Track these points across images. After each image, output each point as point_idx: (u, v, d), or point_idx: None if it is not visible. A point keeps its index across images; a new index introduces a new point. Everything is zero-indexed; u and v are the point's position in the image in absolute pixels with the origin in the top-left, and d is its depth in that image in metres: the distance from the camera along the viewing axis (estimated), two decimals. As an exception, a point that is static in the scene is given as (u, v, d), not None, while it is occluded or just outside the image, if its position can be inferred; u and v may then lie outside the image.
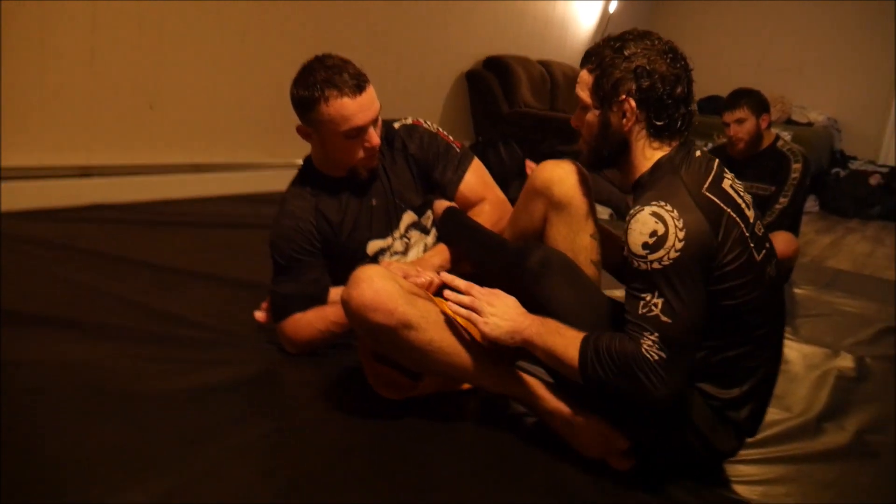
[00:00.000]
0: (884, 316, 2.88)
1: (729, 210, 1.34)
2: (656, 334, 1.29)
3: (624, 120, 1.43)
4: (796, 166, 3.16)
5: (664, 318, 1.29)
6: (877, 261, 4.25)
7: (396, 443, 1.48)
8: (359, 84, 1.67)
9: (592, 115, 1.47)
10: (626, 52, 1.41)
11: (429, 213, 1.91)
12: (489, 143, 4.85)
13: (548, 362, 1.44)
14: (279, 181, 3.89)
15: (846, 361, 2.26)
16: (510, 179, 4.73)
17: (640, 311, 1.31)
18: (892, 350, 2.48)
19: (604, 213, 4.53)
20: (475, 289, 1.49)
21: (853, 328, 2.70)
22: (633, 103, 1.41)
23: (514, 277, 1.54)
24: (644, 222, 1.30)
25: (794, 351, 2.37)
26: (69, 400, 1.49)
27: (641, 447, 1.46)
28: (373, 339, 1.50)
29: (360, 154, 1.75)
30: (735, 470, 1.51)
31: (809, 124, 6.38)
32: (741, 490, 1.46)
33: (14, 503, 1.15)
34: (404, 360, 1.52)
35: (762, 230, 1.42)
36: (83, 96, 3.09)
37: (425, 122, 1.93)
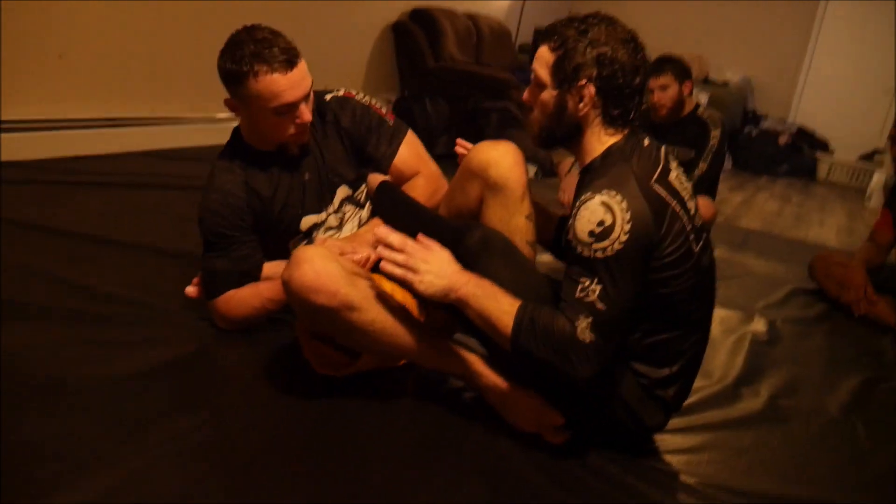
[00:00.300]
0: (791, 277, 3.05)
1: (673, 203, 1.37)
2: (590, 318, 1.33)
3: (581, 104, 1.44)
4: (715, 133, 3.26)
5: (599, 305, 1.33)
6: (784, 220, 4.48)
7: (334, 425, 1.48)
8: (290, 59, 1.61)
9: (548, 95, 1.47)
10: (590, 36, 1.41)
11: (363, 187, 1.88)
12: (415, 97, 4.80)
13: (479, 325, 1.44)
14: (199, 136, 3.81)
15: (759, 325, 2.40)
16: (437, 135, 4.71)
17: (576, 295, 1.34)
18: (799, 312, 2.64)
19: (529, 171, 4.58)
20: (409, 245, 1.47)
21: (764, 290, 2.85)
22: (592, 90, 1.42)
23: (456, 253, 1.55)
24: (593, 211, 1.32)
25: (711, 314, 2.49)
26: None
27: (575, 422, 1.52)
28: (313, 319, 1.49)
29: (291, 130, 1.69)
30: (661, 440, 1.59)
31: (725, 84, 6.58)
32: (667, 459, 1.54)
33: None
34: (345, 340, 1.52)
35: (700, 221, 1.46)
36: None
37: (357, 94, 1.88)
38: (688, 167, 3.22)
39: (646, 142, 1.46)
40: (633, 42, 1.42)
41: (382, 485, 1.33)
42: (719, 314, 2.47)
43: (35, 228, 2.31)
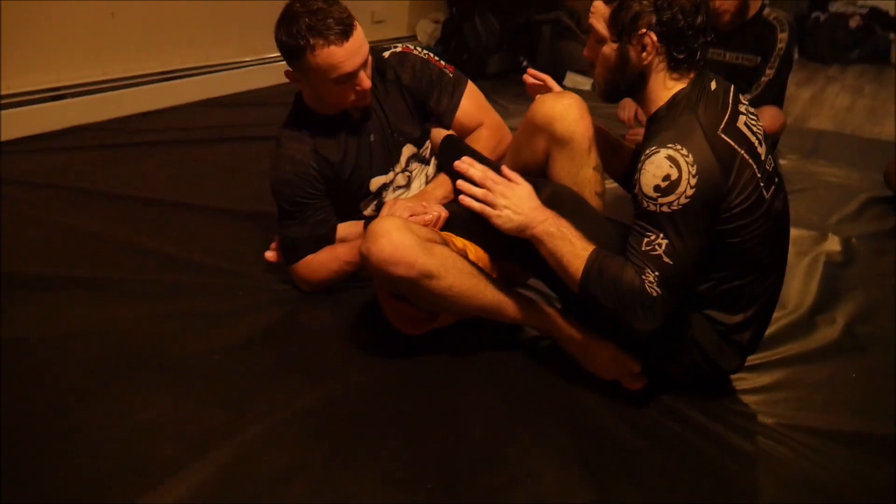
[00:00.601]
0: (866, 185, 2.96)
1: (742, 152, 1.36)
2: (657, 273, 1.34)
3: (644, 54, 1.42)
4: (782, 36, 3.11)
5: (666, 259, 1.34)
6: (857, 115, 4.29)
7: (424, 382, 1.57)
8: (345, 29, 1.61)
9: (609, 49, 1.46)
10: None
11: (427, 143, 1.90)
12: (464, 15, 4.68)
13: (551, 264, 1.46)
14: (255, 78, 3.83)
15: (833, 245, 2.36)
16: (489, 53, 4.62)
17: (643, 248, 1.36)
18: (874, 225, 2.58)
19: (586, 83, 4.48)
20: (490, 178, 1.48)
21: (838, 202, 2.78)
22: (653, 37, 1.40)
23: None
24: (659, 165, 1.32)
25: (782, 234, 2.47)
26: (88, 375, 1.52)
27: (652, 369, 1.56)
28: (393, 288, 1.55)
29: (352, 97, 1.72)
30: (738, 379, 1.62)
31: (790, -33, 6.17)
32: (745, 399, 1.58)
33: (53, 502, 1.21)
34: (425, 304, 1.58)
35: (772, 164, 1.44)
36: (40, 14, 2.92)
37: (415, 49, 1.87)
38: (753, 74, 3.11)
39: (713, 85, 1.43)
40: None
41: (478, 440, 1.41)
42: (792, 235, 2.45)
43: (112, 197, 2.42)
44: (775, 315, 1.84)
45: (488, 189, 1.47)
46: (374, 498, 1.24)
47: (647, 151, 1.35)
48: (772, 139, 3.09)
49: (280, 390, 1.50)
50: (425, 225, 1.64)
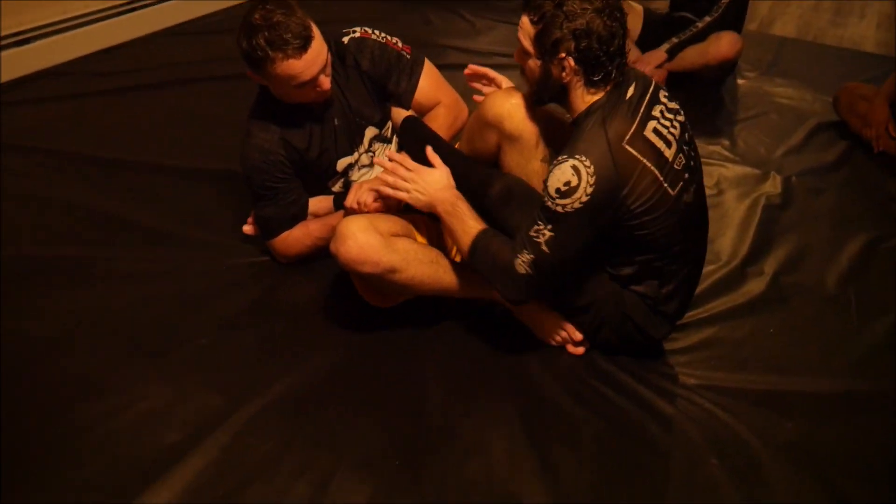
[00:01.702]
0: (817, 107, 3.09)
1: (644, 160, 1.52)
2: (532, 256, 1.56)
3: (563, 73, 1.57)
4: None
5: (545, 248, 1.55)
6: (821, 16, 4.31)
7: (390, 357, 1.78)
8: (303, 42, 1.69)
9: (534, 63, 1.61)
10: (566, 9, 1.51)
11: (388, 123, 2.01)
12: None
13: (450, 236, 1.73)
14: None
15: (774, 186, 2.53)
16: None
17: (530, 233, 1.56)
18: (817, 157, 2.74)
19: None
20: (402, 167, 1.73)
21: (787, 129, 2.93)
22: (571, 62, 1.54)
23: (479, 204, 1.74)
24: (564, 171, 1.50)
25: (729, 172, 2.63)
26: (88, 366, 1.69)
27: (592, 337, 1.78)
28: (362, 280, 1.73)
29: (313, 96, 1.82)
30: (669, 339, 1.83)
31: None
32: (672, 361, 1.81)
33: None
34: (392, 292, 1.77)
35: (683, 161, 1.59)
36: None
37: (374, 33, 1.94)
38: (705, 9, 3.15)
39: (630, 91, 1.58)
40: (607, 8, 1.51)
41: (437, 413, 1.63)
42: (736, 172, 2.62)
43: (76, 159, 2.50)
44: (709, 269, 2.06)
45: (400, 177, 1.72)
46: (352, 478, 1.48)
47: (559, 158, 1.53)
48: (729, 63, 3.19)
49: (264, 372, 1.71)
50: (391, 206, 1.80)
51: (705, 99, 3.16)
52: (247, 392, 1.64)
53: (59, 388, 1.65)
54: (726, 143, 2.82)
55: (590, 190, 1.49)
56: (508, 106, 1.72)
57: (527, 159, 1.74)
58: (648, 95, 1.58)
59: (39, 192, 2.34)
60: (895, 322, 1.94)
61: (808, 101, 3.16)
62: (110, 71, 3.16)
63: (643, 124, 1.54)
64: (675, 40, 3.19)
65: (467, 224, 1.66)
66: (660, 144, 1.55)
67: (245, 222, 2.13)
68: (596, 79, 1.55)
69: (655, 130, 1.55)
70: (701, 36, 3.17)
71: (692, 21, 3.21)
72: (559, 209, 1.51)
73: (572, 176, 1.49)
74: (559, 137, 1.85)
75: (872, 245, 2.25)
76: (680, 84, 3.12)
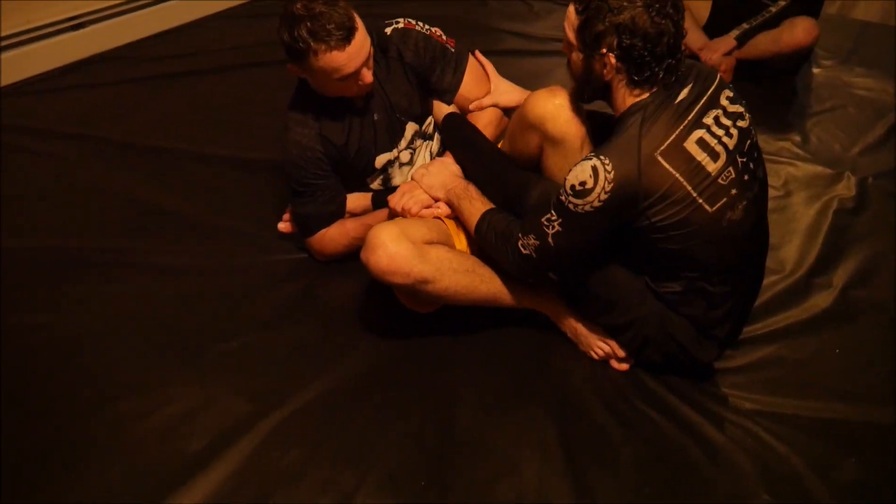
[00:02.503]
0: (899, 99, 2.87)
1: (677, 174, 1.40)
2: (538, 242, 1.51)
3: (605, 70, 1.46)
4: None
5: (550, 241, 1.48)
6: (911, -2, 4.00)
7: (422, 365, 1.71)
8: (347, 34, 1.61)
9: (577, 56, 1.51)
10: (612, 2, 1.39)
11: (430, 119, 1.92)
12: None
13: (460, 217, 1.72)
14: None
15: (847, 188, 2.34)
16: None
17: (540, 220, 1.49)
18: (894, 159, 2.53)
19: None
20: (404, 191, 1.78)
21: (864, 125, 2.72)
22: (612, 59, 1.43)
23: (515, 210, 1.66)
24: (583, 169, 1.41)
25: (799, 171, 2.46)
26: (121, 367, 1.67)
27: (637, 354, 1.68)
28: (395, 290, 1.66)
29: (355, 89, 1.74)
30: (724, 356, 1.70)
31: None
32: (724, 380, 1.69)
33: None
34: (426, 302, 1.69)
35: (731, 177, 1.44)
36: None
37: (417, 24, 1.85)
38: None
39: (683, 93, 1.44)
40: (658, 3, 1.38)
41: (468, 428, 1.56)
42: (807, 172, 2.45)
43: (118, 146, 2.50)
44: (771, 280, 1.93)
45: (402, 194, 1.78)
46: (375, 495, 1.42)
47: (587, 155, 1.44)
48: (804, 51, 2.98)
49: (294, 377, 1.66)
50: (434, 217, 1.74)
51: (776, 90, 2.95)
52: (273, 399, 1.60)
53: (85, 387, 1.63)
54: (797, 138, 2.63)
55: (604, 196, 1.39)
56: (552, 106, 1.61)
57: (570, 163, 1.60)
58: (705, 98, 1.45)
59: (82, 180, 2.34)
60: (977, 346, 1.78)
61: (890, 94, 2.93)
62: (163, 55, 3.15)
63: (687, 133, 1.42)
64: (745, 26, 2.99)
65: (476, 205, 1.68)
66: (701, 157, 1.42)
67: (282, 219, 2.08)
68: (639, 79, 1.43)
69: (700, 141, 1.42)
70: (774, 21, 2.96)
71: (765, 5, 3.00)
72: (571, 207, 1.44)
73: (589, 177, 1.40)
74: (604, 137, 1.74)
75: (955, 257, 2.06)
76: (750, 73, 2.92)
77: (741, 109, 1.49)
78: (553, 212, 1.48)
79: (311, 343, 1.77)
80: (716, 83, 1.48)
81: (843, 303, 1.91)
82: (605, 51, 1.42)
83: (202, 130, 2.62)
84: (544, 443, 1.53)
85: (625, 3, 1.38)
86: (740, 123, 1.47)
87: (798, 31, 2.90)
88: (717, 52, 2.96)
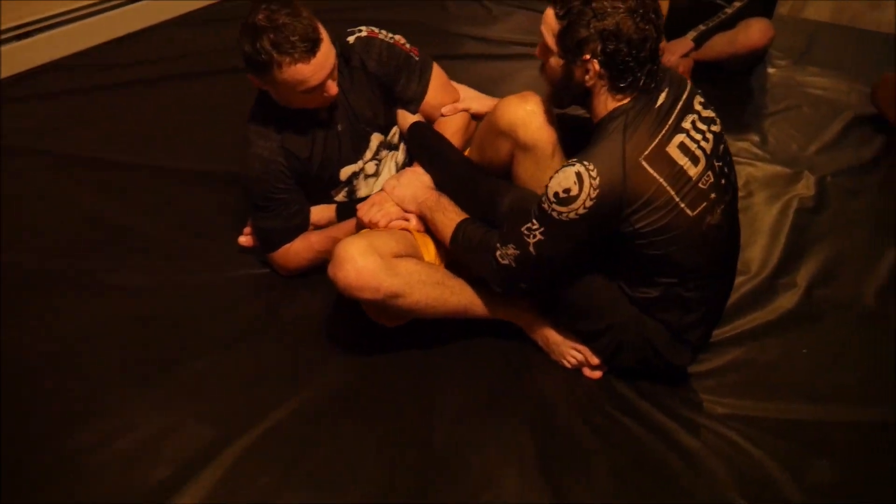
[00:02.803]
0: (853, 98, 2.91)
1: (661, 180, 1.39)
2: (518, 252, 1.47)
3: (586, 76, 1.43)
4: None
5: (531, 249, 1.45)
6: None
7: (396, 382, 1.67)
8: (312, 46, 1.58)
9: (556, 62, 1.47)
10: (596, 7, 1.37)
11: (395, 128, 1.89)
12: None
13: (433, 229, 1.69)
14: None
15: (807, 187, 2.37)
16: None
17: (521, 229, 1.47)
18: (853, 155, 2.57)
19: None
20: (370, 203, 1.75)
21: (821, 124, 2.76)
22: (596, 65, 1.40)
23: (488, 218, 1.63)
24: (567, 177, 1.39)
25: (759, 171, 2.48)
26: (81, 392, 1.61)
27: (609, 361, 1.67)
28: (364, 305, 1.62)
29: (319, 101, 1.70)
30: (693, 363, 1.71)
31: None
32: (696, 384, 1.69)
33: None
34: (396, 317, 1.66)
35: (710, 181, 1.45)
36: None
37: (380, 33, 1.82)
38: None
39: (661, 98, 1.44)
40: (642, 8, 1.37)
41: (446, 444, 1.53)
42: (766, 172, 2.47)
43: (79, 161, 2.41)
44: (737, 281, 1.91)
45: (373, 202, 1.74)
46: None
47: (570, 160, 1.42)
48: (759, 52, 3.02)
49: (261, 399, 1.61)
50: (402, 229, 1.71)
51: (733, 90, 2.99)
52: (240, 423, 1.55)
53: (45, 414, 1.57)
54: (756, 138, 2.66)
55: (589, 203, 1.37)
56: (523, 112, 1.59)
57: (542, 170, 1.62)
58: (681, 103, 1.45)
59: (36, 196, 2.26)
60: (940, 341, 1.81)
61: (844, 92, 2.98)
62: (113, 64, 3.06)
63: (668, 138, 1.41)
64: (702, 27, 3.02)
65: (449, 216, 1.64)
66: (683, 161, 1.41)
67: (243, 232, 2.03)
68: (622, 85, 1.41)
69: (682, 145, 1.42)
70: (730, 23, 2.99)
71: (721, 6, 3.03)
72: (554, 215, 1.41)
73: (574, 184, 1.37)
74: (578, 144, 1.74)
75: (914, 254, 2.10)
76: (707, 74, 2.95)
77: (713, 114, 1.50)
78: (535, 220, 1.45)
79: (277, 362, 1.72)
80: (689, 88, 1.49)
81: (808, 303, 1.93)
82: (588, 57, 1.40)
83: (156, 142, 2.55)
84: (522, 457, 1.51)
85: (608, 9, 1.36)
86: (714, 128, 1.47)
87: (753, 32, 2.94)
88: (675, 53, 2.99)
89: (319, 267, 1.89)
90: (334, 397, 1.64)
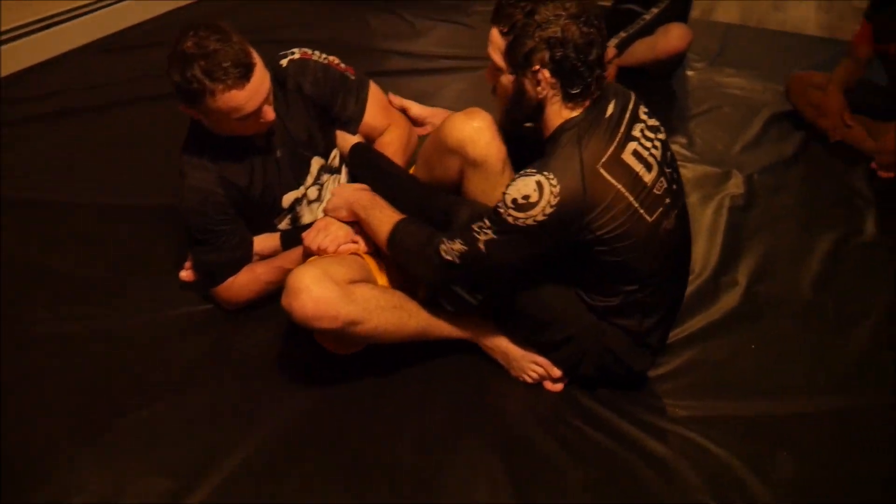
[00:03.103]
0: (768, 97, 3.04)
1: (619, 186, 1.41)
2: (465, 248, 1.46)
3: (539, 88, 1.44)
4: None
5: (481, 247, 1.45)
6: (762, 0, 4.28)
7: (355, 411, 1.63)
8: (245, 71, 1.52)
9: (507, 79, 1.48)
10: (538, 18, 1.39)
11: (335, 151, 1.85)
12: None
13: (368, 230, 1.66)
14: (140, 10, 3.51)
15: (736, 185, 2.45)
16: None
17: (472, 225, 1.46)
18: (775, 151, 2.68)
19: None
20: (316, 228, 1.69)
21: (742, 123, 2.86)
22: (546, 74, 1.42)
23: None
24: (526, 184, 1.39)
25: (690, 172, 2.55)
26: (24, 452, 1.51)
27: (570, 371, 1.67)
28: (321, 336, 1.57)
29: (256, 128, 1.65)
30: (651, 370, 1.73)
31: None
32: (655, 389, 1.70)
33: None
34: (355, 344, 1.61)
35: (664, 186, 1.48)
36: None
37: (314, 54, 1.78)
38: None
39: (610, 108, 1.46)
40: (583, 15, 1.40)
41: (415, 468, 1.50)
42: (697, 172, 2.54)
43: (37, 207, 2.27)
44: (684, 283, 1.96)
45: (318, 231, 1.68)
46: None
47: (526, 170, 1.42)
48: (679, 56, 3.11)
49: (216, 443, 1.54)
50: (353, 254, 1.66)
51: (655, 95, 3.05)
52: (197, 471, 1.47)
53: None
54: (683, 140, 2.74)
55: (549, 210, 1.38)
56: (470, 129, 1.58)
57: (493, 185, 1.61)
58: (629, 113, 1.47)
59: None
60: (876, 326, 1.89)
61: (759, 91, 3.10)
62: (26, 96, 2.90)
63: (622, 146, 1.43)
64: (623, 34, 3.09)
65: (386, 214, 1.61)
66: (638, 168, 1.43)
67: (181, 266, 1.94)
68: (574, 92, 1.43)
69: (635, 153, 1.44)
70: (649, 28, 3.08)
71: (639, 13, 3.12)
72: (509, 220, 1.41)
73: (534, 191, 1.38)
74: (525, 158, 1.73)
75: (842, 243, 2.20)
76: (630, 80, 3.01)
77: (658, 123, 1.52)
78: (486, 220, 1.45)
79: (230, 403, 1.65)
80: (633, 98, 1.51)
81: (751, 300, 1.98)
82: (537, 67, 1.41)
83: (80, 177, 2.42)
84: (492, 477, 1.49)
85: (551, 18, 1.38)
86: (660, 136, 1.50)
87: (673, 37, 3.03)
88: (599, 61, 3.04)
89: (265, 298, 1.84)
90: (294, 432, 1.58)
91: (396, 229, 1.57)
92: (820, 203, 2.42)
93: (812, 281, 2.05)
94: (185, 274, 1.91)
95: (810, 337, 1.88)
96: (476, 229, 1.46)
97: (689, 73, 3.28)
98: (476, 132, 1.58)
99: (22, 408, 1.61)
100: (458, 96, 2.87)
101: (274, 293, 1.83)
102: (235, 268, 1.79)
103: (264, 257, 1.83)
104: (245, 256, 1.80)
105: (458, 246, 1.48)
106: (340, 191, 1.73)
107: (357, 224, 1.70)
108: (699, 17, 3.92)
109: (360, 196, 1.67)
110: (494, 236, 1.44)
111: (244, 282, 1.80)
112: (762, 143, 2.75)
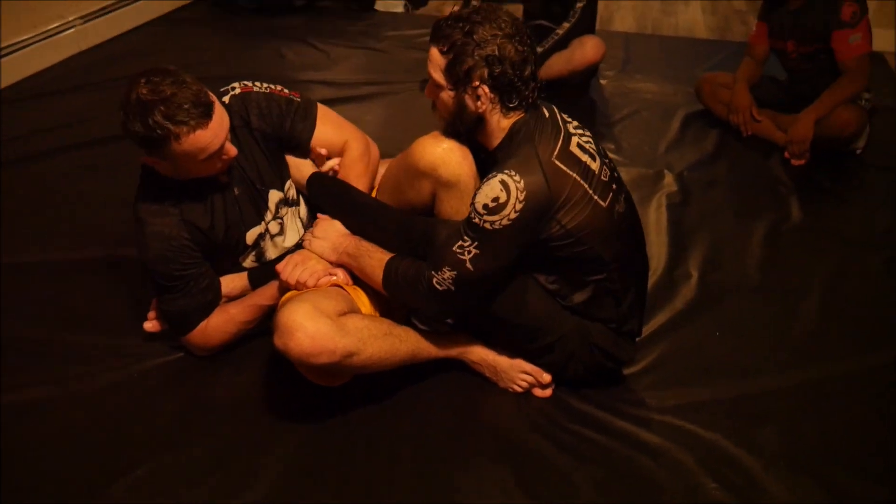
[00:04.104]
0: (681, 98, 3.22)
1: (575, 175, 1.49)
2: (454, 273, 1.50)
3: (478, 103, 1.52)
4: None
5: (469, 266, 1.50)
6: (652, 8, 4.53)
7: (351, 447, 1.59)
8: (206, 109, 1.50)
9: (447, 95, 1.56)
10: (476, 37, 1.48)
11: (289, 182, 1.83)
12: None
13: (361, 276, 1.67)
14: (36, 59, 3.33)
15: (670, 184, 2.59)
16: None
17: (453, 248, 1.50)
18: (697, 148, 2.85)
19: (397, 6, 4.35)
20: (292, 261, 1.68)
21: (661, 125, 3.02)
22: (486, 90, 1.50)
23: (418, 254, 1.61)
24: (492, 187, 1.45)
25: (625, 175, 2.63)
26: None
27: (558, 375, 1.71)
28: (315, 372, 1.54)
29: (219, 166, 1.62)
30: (629, 365, 1.79)
31: None
32: (638, 384, 1.77)
33: None
34: (349, 375, 1.59)
35: (608, 173, 1.57)
36: None
37: (254, 85, 1.77)
38: (569, 4, 3.19)
39: (546, 112, 1.57)
40: (517, 34, 1.49)
41: (423, 488, 1.50)
42: (631, 175, 2.65)
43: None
44: (642, 280, 2.04)
45: (294, 266, 1.66)
46: None
47: (489, 175, 1.48)
48: (594, 67, 3.25)
49: (223, 489, 1.48)
50: (334, 285, 1.64)
51: (575, 105, 3.18)
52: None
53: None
54: (612, 146, 2.86)
55: (519, 206, 1.44)
56: (440, 151, 1.60)
57: (467, 204, 1.62)
58: (558, 115, 1.58)
59: None
60: (821, 298, 2.03)
61: (671, 94, 3.28)
62: None
63: (567, 140, 1.53)
64: (539, 49, 3.20)
65: (375, 258, 1.63)
66: (585, 158, 1.53)
67: (143, 317, 1.85)
68: (512, 105, 1.52)
69: (579, 145, 1.54)
70: (563, 43, 3.20)
71: (550, 28, 3.24)
72: (487, 226, 1.45)
73: (501, 192, 1.43)
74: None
75: (775, 228, 2.36)
76: (549, 92, 3.11)
77: (578, 123, 1.63)
78: (465, 237, 1.48)
79: (218, 455, 1.57)
80: (553, 105, 1.61)
81: (706, 289, 2.09)
82: (477, 83, 1.49)
83: (18, 233, 2.27)
84: (504, 489, 1.50)
85: (488, 37, 1.47)
86: (588, 133, 1.61)
87: (588, 49, 3.16)
88: (520, 76, 3.14)
89: (237, 341, 1.79)
90: (291, 480, 1.52)
91: (388, 272, 1.59)
92: (747, 193, 2.58)
93: (757, 265, 2.19)
94: (150, 325, 1.82)
95: (765, 317, 2.00)
96: (458, 251, 1.49)
97: (603, 81, 3.43)
98: (446, 153, 1.60)
99: (6, 487, 1.50)
100: (384, 121, 2.89)
101: (248, 334, 1.80)
102: (207, 311, 1.73)
103: (232, 299, 1.79)
104: (215, 299, 1.75)
105: (447, 274, 1.50)
106: (324, 233, 1.72)
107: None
108: (600, 29, 4.09)
109: (346, 243, 1.68)
110: (477, 251, 1.48)
111: (218, 324, 1.74)
112: (684, 142, 2.91)
